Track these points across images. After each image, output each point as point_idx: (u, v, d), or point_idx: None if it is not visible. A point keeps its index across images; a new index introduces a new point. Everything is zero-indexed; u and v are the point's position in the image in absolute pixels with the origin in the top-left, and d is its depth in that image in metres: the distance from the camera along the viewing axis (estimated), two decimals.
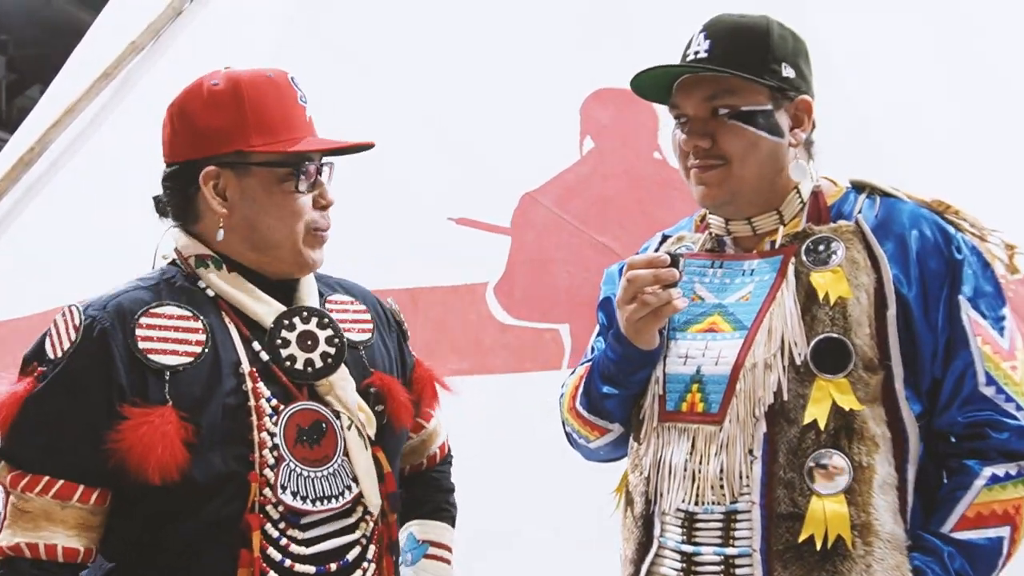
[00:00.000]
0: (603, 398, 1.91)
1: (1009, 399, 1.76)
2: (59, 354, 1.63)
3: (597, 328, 2.10)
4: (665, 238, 2.07)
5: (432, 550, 2.00)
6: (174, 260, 1.80)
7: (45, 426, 1.60)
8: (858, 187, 1.93)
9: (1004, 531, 1.73)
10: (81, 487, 1.60)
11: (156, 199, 1.83)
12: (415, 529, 2.02)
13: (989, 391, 1.76)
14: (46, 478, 1.59)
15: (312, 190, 1.76)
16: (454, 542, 2.05)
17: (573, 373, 2.07)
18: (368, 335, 1.89)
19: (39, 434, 1.60)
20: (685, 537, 1.80)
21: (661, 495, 1.83)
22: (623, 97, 3.72)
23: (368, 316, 1.93)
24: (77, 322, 1.64)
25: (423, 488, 2.09)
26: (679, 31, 1.97)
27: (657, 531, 1.83)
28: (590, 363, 2.00)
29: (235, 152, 1.72)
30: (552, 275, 3.37)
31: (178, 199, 1.78)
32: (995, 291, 1.83)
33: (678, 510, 1.81)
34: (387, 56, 3.80)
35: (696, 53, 1.86)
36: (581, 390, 1.98)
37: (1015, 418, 1.75)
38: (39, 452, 1.60)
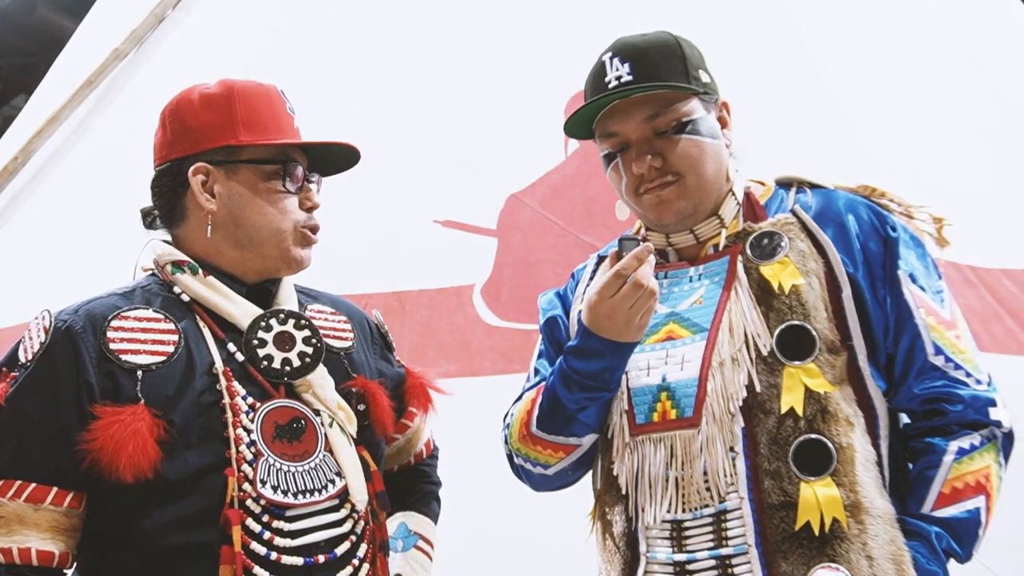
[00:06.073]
0: (578, 411, 1.86)
1: (958, 367, 1.81)
2: (30, 357, 1.65)
3: (538, 350, 2.07)
4: (602, 259, 2.03)
5: (421, 543, 2.01)
6: (152, 271, 1.83)
7: (16, 429, 1.61)
8: (785, 184, 1.97)
9: (980, 501, 1.76)
10: (54, 489, 1.60)
11: (143, 211, 1.86)
12: (407, 520, 2.02)
13: (939, 360, 1.81)
14: (18, 482, 1.59)
15: (298, 192, 1.81)
16: (436, 539, 2.07)
17: (516, 403, 2.01)
18: (349, 343, 1.91)
19: (10, 438, 1.61)
20: (675, 547, 1.78)
21: (643, 509, 1.81)
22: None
23: (349, 327, 1.95)
24: (47, 324, 1.66)
25: (412, 478, 2.10)
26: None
27: (643, 548, 1.81)
28: (537, 387, 1.95)
29: (224, 148, 1.77)
30: (539, 276, 3.37)
31: (165, 200, 1.82)
32: (930, 266, 1.88)
33: (664, 521, 1.79)
34: (370, 62, 3.80)
35: (619, 78, 1.85)
36: (536, 415, 1.91)
37: (966, 385, 1.80)
38: (10, 456, 1.60)
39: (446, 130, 3.65)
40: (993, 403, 1.81)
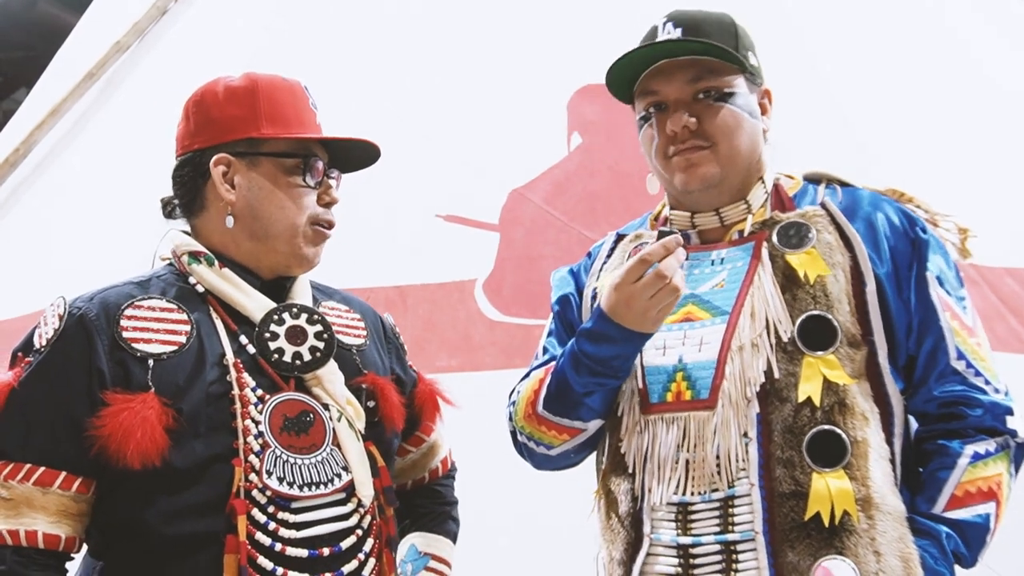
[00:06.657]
0: (584, 395, 1.84)
1: (978, 374, 1.80)
2: (43, 343, 1.65)
3: (548, 328, 2.06)
4: (620, 237, 2.03)
5: (433, 563, 1.99)
6: (169, 261, 1.83)
7: (27, 414, 1.62)
8: (814, 179, 1.97)
9: (990, 507, 1.75)
10: (63, 474, 1.61)
11: (163, 200, 1.88)
12: (417, 541, 2.01)
13: (960, 365, 1.80)
14: (28, 465, 1.60)
15: (318, 187, 1.81)
16: (454, 558, 2.03)
17: (524, 379, 1.99)
18: (361, 340, 1.91)
19: (21, 422, 1.62)
20: (680, 529, 1.77)
21: (650, 490, 1.80)
22: (610, 92, 3.73)
23: (362, 324, 1.95)
24: (62, 311, 1.67)
25: (426, 499, 2.08)
26: None
27: (647, 528, 1.79)
28: (546, 366, 1.94)
29: (246, 140, 1.78)
30: (541, 271, 3.35)
31: (186, 189, 1.83)
32: (954, 272, 1.87)
33: (670, 504, 1.78)
34: (374, 53, 3.80)
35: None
36: (543, 394, 1.89)
37: (985, 392, 1.79)
38: (21, 440, 1.61)
39: (448, 126, 3.64)
40: (1011, 412, 1.80)
